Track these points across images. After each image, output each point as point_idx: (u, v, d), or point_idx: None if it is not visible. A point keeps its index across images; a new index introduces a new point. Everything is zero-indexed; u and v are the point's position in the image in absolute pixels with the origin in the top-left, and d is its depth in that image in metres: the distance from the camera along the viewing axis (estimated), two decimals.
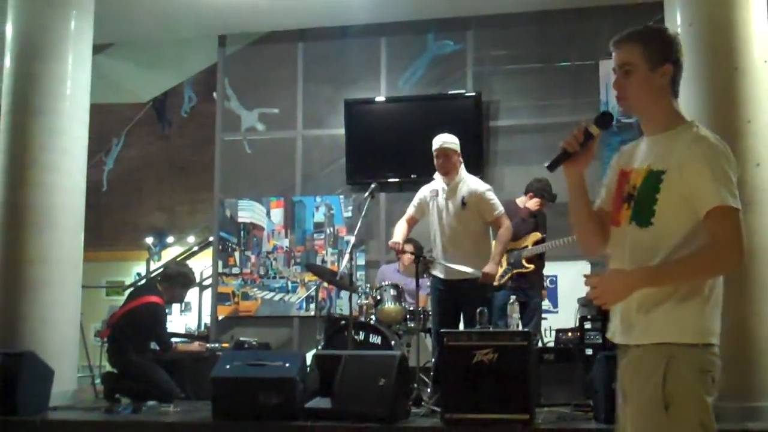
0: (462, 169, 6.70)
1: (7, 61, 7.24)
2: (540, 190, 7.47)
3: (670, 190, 2.68)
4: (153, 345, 7.23)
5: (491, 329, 5.90)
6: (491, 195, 6.62)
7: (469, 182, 6.66)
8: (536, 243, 7.44)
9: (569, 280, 7.52)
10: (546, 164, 2.95)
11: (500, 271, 6.99)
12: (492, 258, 6.49)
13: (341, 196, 9.70)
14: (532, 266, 7.45)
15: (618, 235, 2.80)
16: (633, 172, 2.84)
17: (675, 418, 2.58)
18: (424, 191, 6.85)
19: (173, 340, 7.49)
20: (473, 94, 9.28)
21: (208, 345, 7.73)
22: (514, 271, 7.43)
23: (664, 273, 2.63)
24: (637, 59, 2.80)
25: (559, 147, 2.89)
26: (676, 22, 6.10)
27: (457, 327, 6.54)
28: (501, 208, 6.63)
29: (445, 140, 6.63)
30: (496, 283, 6.90)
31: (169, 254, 15.18)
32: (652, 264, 2.63)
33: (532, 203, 7.52)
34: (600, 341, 6.50)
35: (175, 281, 7.39)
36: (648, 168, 2.77)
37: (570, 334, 6.96)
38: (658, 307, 2.64)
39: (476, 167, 7.02)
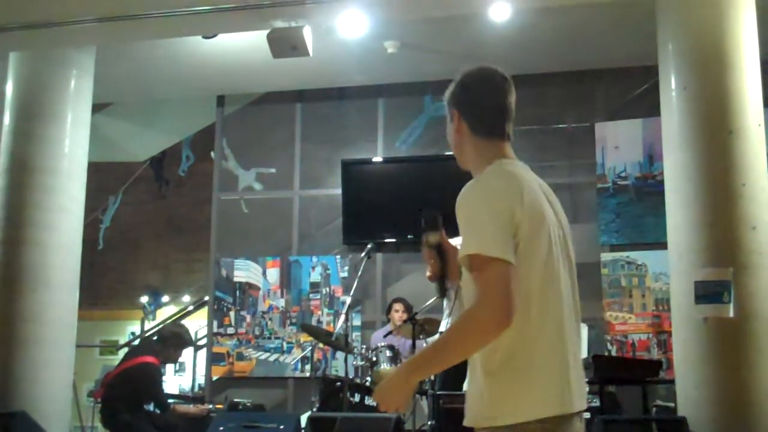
0: None
1: (7, 120, 7.28)
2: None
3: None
4: (147, 406, 7.16)
5: None
6: None
7: None
8: None
9: None
10: (438, 297, 2.86)
11: None
12: None
13: (338, 256, 9.68)
14: None
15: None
16: None
17: None
18: None
19: (170, 401, 7.43)
20: None
21: (208, 407, 7.65)
22: None
23: (419, 360, 2.43)
24: (451, 113, 2.76)
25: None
26: (670, 85, 6.16)
27: (460, 389, 6.48)
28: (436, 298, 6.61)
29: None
30: None
31: (164, 313, 15.09)
32: None
33: None
34: (598, 404, 6.44)
35: (170, 342, 7.35)
36: None
37: None
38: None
39: None
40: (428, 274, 2.74)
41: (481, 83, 2.70)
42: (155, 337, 7.82)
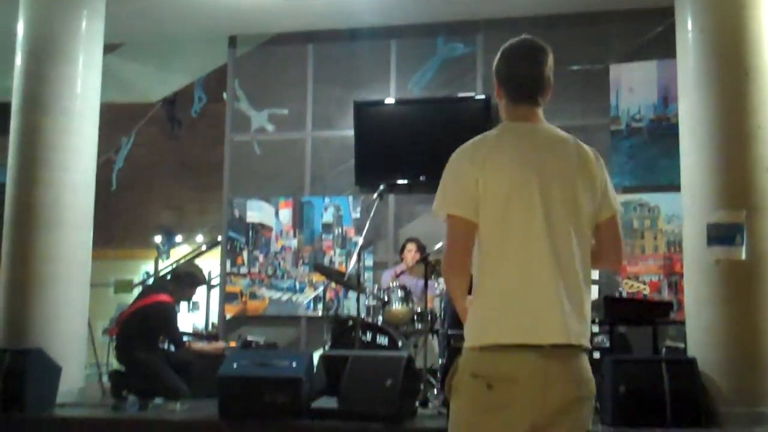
0: None
1: (18, 60, 7.26)
2: None
3: None
4: (162, 343, 7.25)
5: None
6: None
7: None
8: None
9: None
10: None
11: None
12: None
13: (350, 197, 9.70)
14: None
15: None
16: None
17: (452, 407, 2.80)
18: None
19: (185, 339, 7.52)
20: (483, 97, 9.28)
21: (223, 344, 7.74)
22: None
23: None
24: None
25: None
26: (687, 27, 6.09)
27: None
28: None
29: None
30: None
31: (177, 253, 15.20)
32: None
33: None
34: (607, 345, 6.50)
35: (184, 281, 7.43)
36: None
37: None
38: None
39: None
40: None
41: (507, 54, 2.98)
42: (169, 276, 7.89)
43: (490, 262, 2.73)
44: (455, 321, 6.51)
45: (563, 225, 2.75)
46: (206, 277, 8.49)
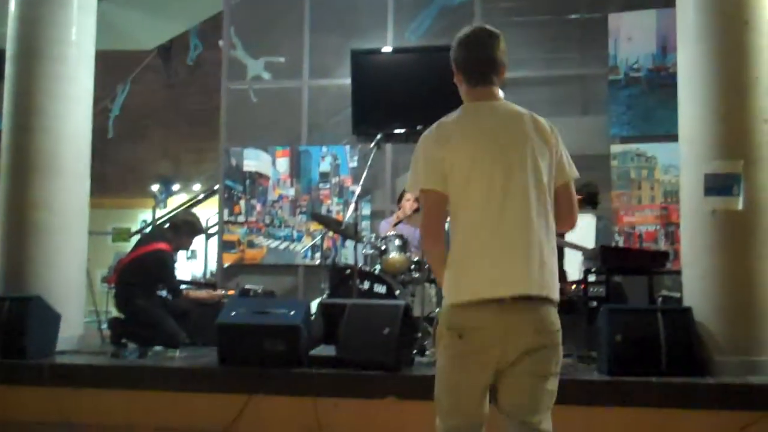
0: None
1: (12, 6, 7.18)
2: (588, 194, 7.37)
3: None
4: (160, 292, 7.28)
5: None
6: None
7: None
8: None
9: (573, 233, 7.52)
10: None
11: None
12: None
13: (347, 147, 9.69)
14: None
15: None
16: None
17: (437, 358, 3.15)
18: None
19: (183, 287, 7.56)
20: None
21: (221, 293, 7.78)
22: None
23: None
24: None
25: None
26: None
27: None
28: None
29: None
30: None
31: (174, 202, 15.22)
32: None
33: None
34: (604, 294, 6.53)
35: (182, 230, 7.44)
36: None
37: (574, 286, 6.99)
38: None
39: None
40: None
41: (464, 42, 3.34)
42: (167, 225, 7.90)
43: (458, 229, 3.09)
44: None
45: (523, 188, 3.07)
46: (204, 227, 8.51)
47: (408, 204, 8.05)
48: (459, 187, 3.07)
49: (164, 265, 7.18)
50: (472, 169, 3.07)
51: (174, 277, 7.33)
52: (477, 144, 3.10)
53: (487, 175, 3.06)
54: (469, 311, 3.00)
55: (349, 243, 8.30)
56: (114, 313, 7.55)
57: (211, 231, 11.64)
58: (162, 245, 7.27)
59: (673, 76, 6.68)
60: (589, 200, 7.36)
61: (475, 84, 3.27)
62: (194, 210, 12.18)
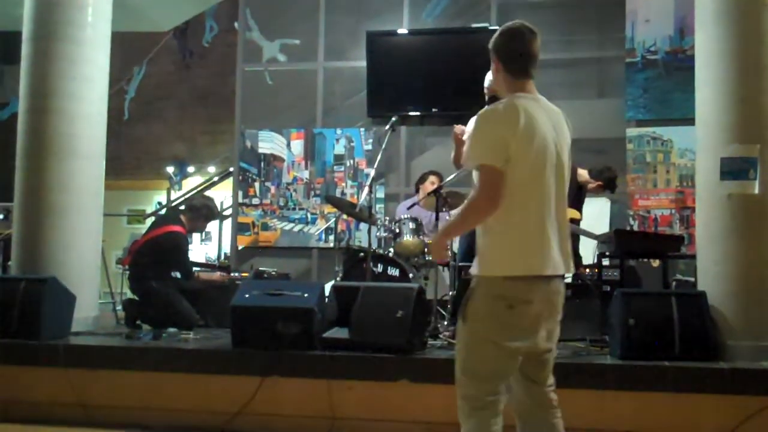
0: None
1: None
2: (607, 180, 7.34)
3: None
4: (174, 273, 7.31)
5: None
6: None
7: None
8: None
9: (587, 217, 7.51)
10: None
11: None
12: None
13: (362, 129, 9.68)
14: None
15: None
16: None
17: (469, 329, 3.35)
18: None
19: (195, 269, 7.58)
20: (497, 27, 9.14)
21: (231, 275, 7.80)
22: None
23: (447, 226, 3.59)
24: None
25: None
26: None
27: None
28: None
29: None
30: None
31: (189, 184, 15.23)
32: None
33: (592, 183, 7.37)
34: (618, 278, 6.51)
35: (200, 213, 7.46)
36: None
37: (587, 270, 6.97)
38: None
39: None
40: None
41: (514, 34, 3.56)
42: (184, 207, 7.91)
43: (516, 208, 3.30)
44: (467, 254, 6.54)
45: (566, 180, 3.49)
46: (218, 211, 8.53)
47: (431, 188, 8.05)
48: (522, 172, 3.30)
49: (178, 248, 7.21)
50: (536, 158, 3.33)
51: (187, 259, 7.36)
52: (538, 135, 3.34)
53: (548, 165, 3.37)
54: (522, 284, 3.29)
55: (363, 226, 8.30)
56: (129, 294, 7.59)
57: (225, 213, 11.67)
58: (176, 227, 7.29)
59: (690, 59, 6.64)
60: (608, 185, 7.34)
61: (517, 77, 3.50)
62: (209, 192, 12.19)
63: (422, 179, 8.33)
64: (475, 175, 3.40)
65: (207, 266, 8.92)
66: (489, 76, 6.74)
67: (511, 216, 3.31)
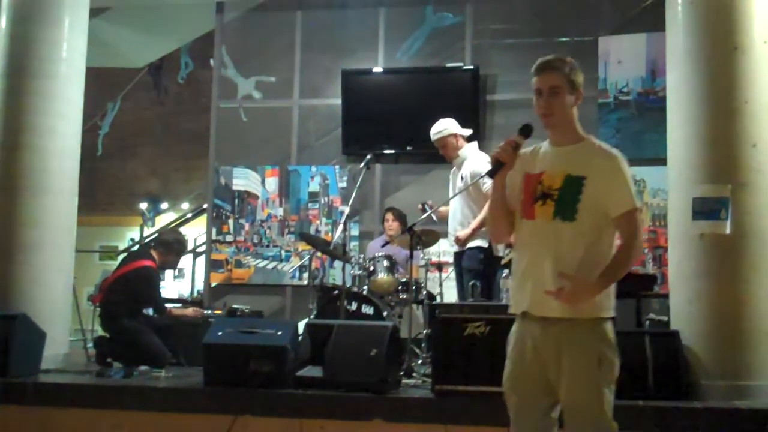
0: (465, 148, 6.79)
1: (3, 23, 7.18)
2: None
3: (589, 194, 3.35)
4: (146, 310, 7.25)
5: (484, 302, 5.92)
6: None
7: (471, 161, 6.70)
8: None
9: None
10: (487, 172, 3.59)
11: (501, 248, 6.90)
12: (472, 224, 6.56)
13: (337, 167, 9.69)
14: None
15: (537, 227, 3.45)
16: (544, 175, 3.46)
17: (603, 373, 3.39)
18: (451, 172, 7.01)
19: (168, 305, 7.52)
20: (471, 67, 9.25)
21: (203, 311, 7.75)
22: None
23: (609, 278, 3.38)
24: (563, 83, 3.44)
25: (493, 158, 3.57)
26: (677, 0, 6.07)
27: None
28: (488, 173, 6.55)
29: (433, 133, 6.81)
30: (503, 262, 6.93)
31: (162, 220, 15.18)
32: (578, 257, 3.36)
33: None
34: None
35: (171, 248, 7.43)
36: (566, 173, 3.41)
37: None
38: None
39: (472, 141, 7.03)
40: (495, 155, 3.51)
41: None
42: (156, 241, 7.85)
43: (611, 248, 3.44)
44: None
45: None
46: (190, 245, 8.49)
47: (386, 225, 8.11)
48: None
49: (149, 281, 7.17)
50: None
51: (158, 294, 7.33)
52: None
53: None
54: None
55: (338, 263, 8.28)
56: (100, 331, 7.51)
57: (199, 250, 11.61)
58: (147, 262, 7.26)
59: (662, 100, 6.71)
60: None
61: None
62: (182, 229, 12.13)
63: (382, 218, 8.41)
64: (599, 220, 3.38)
65: (179, 302, 8.86)
66: (439, 126, 6.84)
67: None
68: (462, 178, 6.68)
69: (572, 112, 3.47)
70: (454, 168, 6.86)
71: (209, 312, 7.78)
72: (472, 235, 6.59)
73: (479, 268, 6.58)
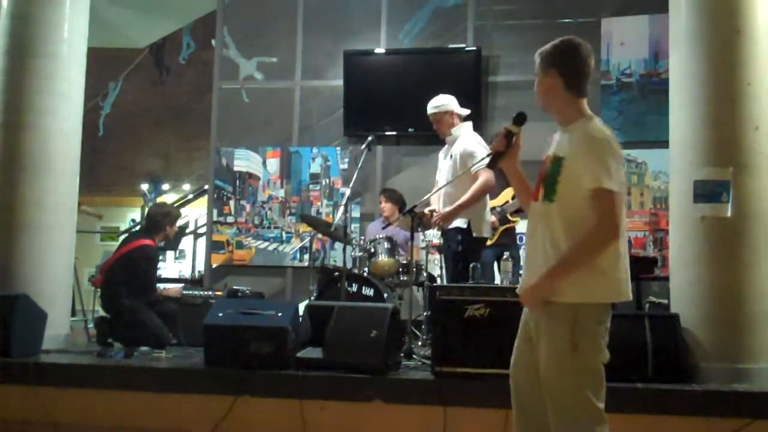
0: (459, 128, 6.70)
1: (4, 2, 7.15)
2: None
3: (567, 174, 3.40)
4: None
5: (484, 284, 5.91)
6: (479, 152, 6.51)
7: (464, 140, 6.63)
8: (514, 197, 7.34)
9: None
10: (487, 164, 3.75)
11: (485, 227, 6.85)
12: (456, 202, 6.45)
13: (338, 148, 9.68)
14: (518, 219, 7.50)
15: (535, 209, 3.56)
16: (547, 157, 3.57)
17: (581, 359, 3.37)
18: (441, 151, 6.92)
19: (160, 285, 7.55)
20: (473, 48, 9.23)
21: (179, 286, 7.78)
22: (502, 228, 7.47)
23: (557, 268, 3.36)
24: (539, 72, 3.58)
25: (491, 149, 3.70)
26: None
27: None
28: (484, 164, 6.49)
29: (430, 106, 6.71)
30: (489, 242, 6.91)
31: (164, 201, 15.17)
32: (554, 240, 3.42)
33: None
34: None
35: (162, 222, 7.42)
36: (554, 155, 3.51)
37: None
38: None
39: (474, 123, 7.00)
40: (491, 148, 3.65)
41: (587, 54, 3.58)
42: (146, 223, 7.83)
43: (621, 237, 3.37)
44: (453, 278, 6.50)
45: None
46: (179, 212, 8.46)
47: (380, 206, 8.10)
48: (624, 199, 3.42)
49: (148, 261, 7.18)
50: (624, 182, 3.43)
51: (154, 273, 7.34)
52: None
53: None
54: (609, 310, 3.45)
55: (338, 245, 8.29)
56: (101, 312, 7.52)
57: (200, 231, 11.62)
58: (147, 241, 7.26)
59: (664, 82, 6.68)
60: None
61: (581, 95, 3.54)
62: (183, 209, 12.14)
63: (379, 200, 8.41)
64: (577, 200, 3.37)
65: (180, 281, 8.87)
66: (437, 101, 6.80)
67: (621, 245, 3.40)
68: (451, 156, 6.62)
69: (559, 94, 3.52)
70: (446, 145, 6.81)
71: (193, 293, 7.75)
72: (454, 215, 6.49)
73: (457, 249, 6.50)
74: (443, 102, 6.73)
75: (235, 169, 9.82)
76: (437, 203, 6.68)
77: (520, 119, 3.58)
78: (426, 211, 6.62)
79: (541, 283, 3.41)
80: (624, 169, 3.44)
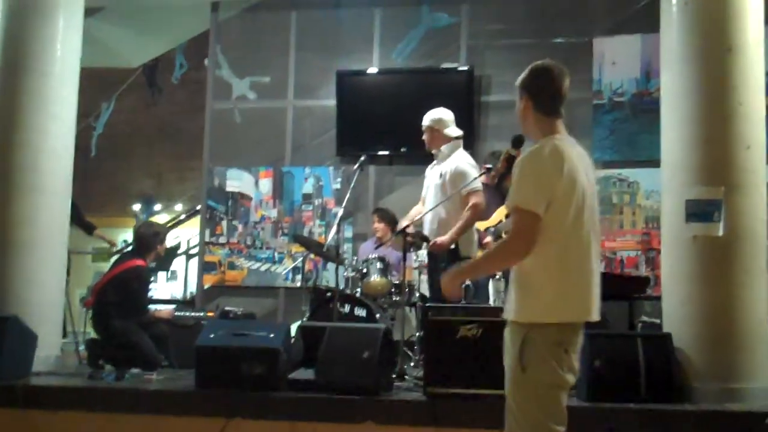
0: (450, 146, 6.70)
1: None
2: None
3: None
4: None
5: (476, 305, 5.89)
6: (469, 172, 6.51)
7: (454, 159, 6.63)
8: (507, 216, 7.30)
9: None
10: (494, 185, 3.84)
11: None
12: (450, 231, 6.43)
13: (331, 168, 9.67)
14: None
15: None
16: None
17: (530, 377, 3.37)
18: (429, 167, 6.91)
19: (152, 306, 7.51)
20: (466, 68, 9.24)
21: (171, 308, 7.75)
22: None
23: (468, 266, 3.68)
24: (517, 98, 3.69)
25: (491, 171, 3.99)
26: (671, 1, 6.05)
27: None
28: (474, 186, 6.50)
29: (427, 118, 6.72)
30: None
31: (156, 221, 15.13)
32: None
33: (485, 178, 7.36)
34: None
35: (151, 241, 7.38)
36: None
37: None
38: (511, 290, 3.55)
39: (466, 142, 7.00)
40: (494, 172, 3.90)
41: (553, 73, 3.60)
42: (134, 247, 7.80)
43: (559, 252, 3.38)
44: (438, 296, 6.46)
45: (597, 230, 3.54)
46: (167, 229, 8.42)
47: (373, 226, 8.08)
48: (567, 216, 3.38)
49: (140, 282, 7.15)
50: (579, 201, 3.41)
51: (145, 294, 7.30)
52: (580, 178, 3.44)
53: (587, 209, 3.45)
54: (571, 329, 3.41)
55: (331, 265, 8.27)
56: (92, 333, 7.48)
57: (192, 252, 11.58)
58: (138, 262, 7.23)
59: (656, 102, 6.70)
60: None
61: (550, 114, 3.58)
62: (176, 230, 12.12)
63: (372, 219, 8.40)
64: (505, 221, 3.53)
65: (171, 303, 8.83)
66: (435, 114, 6.80)
67: (557, 260, 3.38)
68: (441, 175, 6.62)
69: (529, 115, 3.63)
70: (434, 162, 6.81)
71: (184, 314, 7.71)
72: (449, 244, 6.44)
73: (445, 269, 6.47)
74: (441, 117, 6.74)
75: (228, 189, 9.80)
76: (425, 221, 6.70)
77: (518, 142, 3.79)
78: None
79: (449, 277, 3.70)
80: (585, 180, 3.48)
